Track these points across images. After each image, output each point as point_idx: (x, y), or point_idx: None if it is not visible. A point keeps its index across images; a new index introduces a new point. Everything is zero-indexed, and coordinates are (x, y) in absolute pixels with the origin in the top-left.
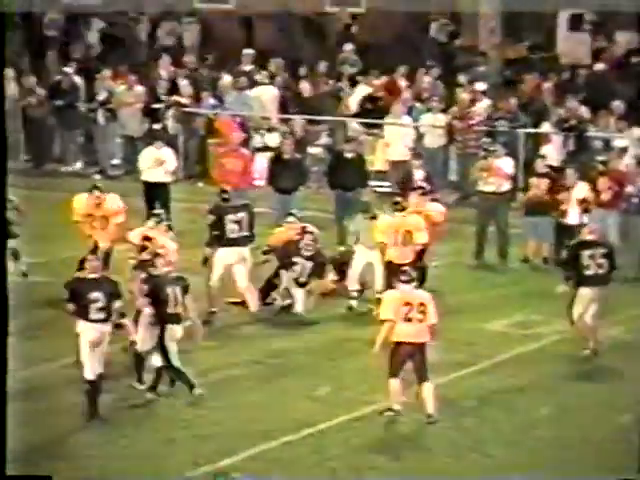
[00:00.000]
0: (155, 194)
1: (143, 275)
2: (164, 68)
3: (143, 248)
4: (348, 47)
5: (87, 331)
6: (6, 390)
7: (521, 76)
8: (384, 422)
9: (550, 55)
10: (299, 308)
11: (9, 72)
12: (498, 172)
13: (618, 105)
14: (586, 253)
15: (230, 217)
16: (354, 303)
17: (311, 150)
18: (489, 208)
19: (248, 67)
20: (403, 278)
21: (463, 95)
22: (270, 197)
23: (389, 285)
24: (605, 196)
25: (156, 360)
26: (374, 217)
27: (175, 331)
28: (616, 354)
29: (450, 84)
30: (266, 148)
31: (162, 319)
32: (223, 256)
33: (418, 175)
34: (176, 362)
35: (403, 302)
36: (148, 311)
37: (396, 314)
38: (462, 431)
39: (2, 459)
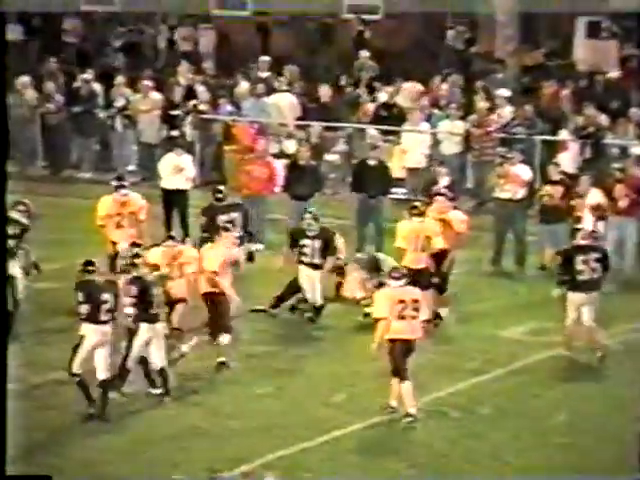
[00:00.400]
0: (174, 201)
1: (128, 277)
2: (182, 74)
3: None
4: (364, 53)
5: (94, 333)
6: (6, 390)
7: (538, 83)
8: (400, 428)
9: (567, 62)
10: (317, 298)
11: (25, 79)
12: (515, 179)
13: (636, 112)
14: (580, 258)
15: (223, 217)
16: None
17: (328, 157)
18: (506, 215)
19: (265, 74)
20: (394, 275)
21: (481, 103)
22: (285, 204)
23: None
24: (622, 203)
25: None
26: None
27: (159, 330)
28: (629, 358)
29: (468, 91)
30: (282, 155)
31: (143, 319)
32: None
33: (443, 182)
34: (160, 361)
35: (397, 300)
36: (130, 311)
37: (391, 312)
38: (478, 438)
39: (2, 459)
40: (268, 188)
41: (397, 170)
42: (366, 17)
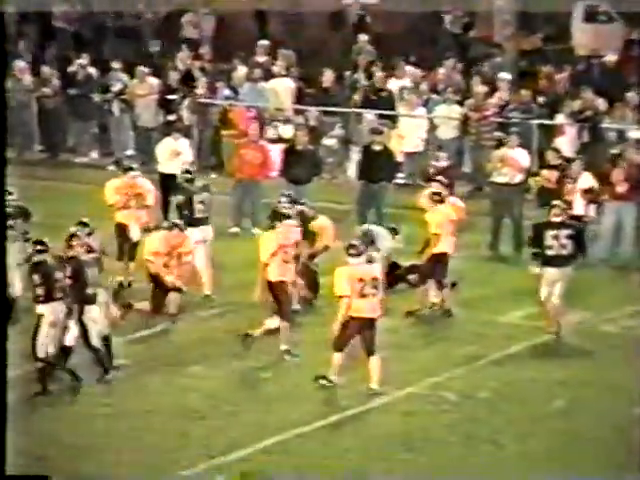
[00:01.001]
0: (171, 185)
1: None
2: (181, 59)
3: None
4: (363, 38)
5: (50, 312)
6: (6, 390)
7: (536, 67)
8: (397, 413)
9: (565, 46)
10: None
11: (21, 63)
12: (512, 163)
13: (633, 96)
14: (550, 233)
15: (197, 197)
16: None
17: (325, 141)
18: (503, 200)
19: (262, 58)
20: (352, 252)
21: (479, 87)
22: (282, 188)
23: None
24: (620, 188)
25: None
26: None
27: (94, 311)
28: (627, 343)
29: (465, 75)
30: (279, 139)
31: (81, 299)
32: (193, 236)
33: (440, 165)
34: (95, 341)
35: (357, 278)
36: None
37: (352, 290)
38: (475, 422)
39: (2, 459)
40: (262, 173)
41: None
42: (363, 1)
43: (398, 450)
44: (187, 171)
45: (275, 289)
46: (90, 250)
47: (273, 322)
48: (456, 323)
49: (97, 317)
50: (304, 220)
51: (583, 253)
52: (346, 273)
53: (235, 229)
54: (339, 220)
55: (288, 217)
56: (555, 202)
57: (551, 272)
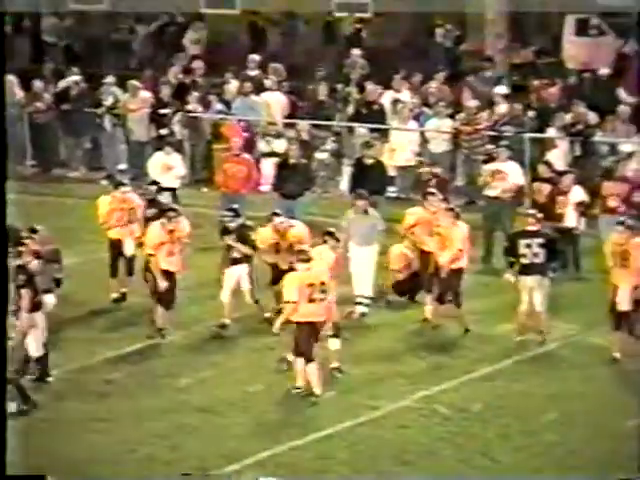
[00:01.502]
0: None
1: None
2: (173, 74)
3: None
4: (356, 52)
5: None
6: (6, 392)
7: (528, 81)
8: (392, 426)
9: (557, 60)
10: (248, 296)
11: (13, 78)
12: (502, 176)
13: (625, 109)
14: (523, 242)
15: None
16: (362, 309)
17: (318, 155)
18: (494, 213)
19: (254, 72)
20: (301, 257)
21: (470, 101)
22: (275, 202)
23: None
24: (612, 202)
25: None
26: None
27: (38, 317)
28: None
29: (456, 89)
30: (272, 153)
31: (34, 307)
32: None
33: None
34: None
35: (306, 283)
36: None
37: (301, 295)
38: (469, 436)
39: (2, 459)
40: (247, 186)
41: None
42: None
43: (391, 463)
44: (154, 182)
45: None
46: (38, 256)
47: (334, 343)
48: (449, 336)
49: (40, 323)
50: (244, 234)
51: (555, 262)
52: (296, 279)
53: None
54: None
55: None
56: (530, 211)
57: (527, 280)
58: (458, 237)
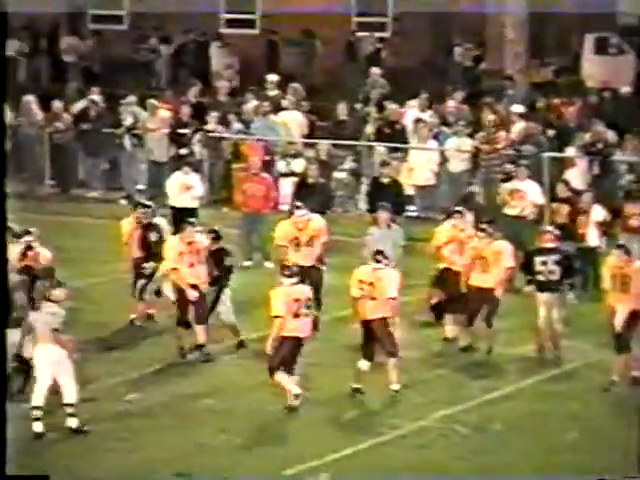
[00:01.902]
0: (182, 219)
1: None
2: (194, 93)
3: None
4: (375, 71)
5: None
6: (6, 391)
7: (547, 100)
8: (410, 446)
9: (576, 79)
10: (226, 316)
11: (32, 98)
12: (521, 196)
13: None
14: (538, 260)
15: (153, 234)
16: None
17: (336, 175)
18: (513, 232)
19: (273, 92)
20: (286, 273)
21: (489, 119)
22: None
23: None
24: (634, 222)
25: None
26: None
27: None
28: None
29: (476, 108)
30: (291, 173)
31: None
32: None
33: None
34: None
35: (292, 298)
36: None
37: (288, 310)
38: (488, 455)
39: (2, 459)
40: (266, 206)
41: (405, 188)
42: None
43: None
44: (145, 205)
45: (376, 327)
46: (29, 272)
47: (364, 364)
48: (469, 356)
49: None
50: (221, 256)
51: (571, 279)
52: (282, 293)
53: (248, 263)
54: (351, 252)
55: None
56: (547, 228)
57: (542, 296)
58: (505, 255)
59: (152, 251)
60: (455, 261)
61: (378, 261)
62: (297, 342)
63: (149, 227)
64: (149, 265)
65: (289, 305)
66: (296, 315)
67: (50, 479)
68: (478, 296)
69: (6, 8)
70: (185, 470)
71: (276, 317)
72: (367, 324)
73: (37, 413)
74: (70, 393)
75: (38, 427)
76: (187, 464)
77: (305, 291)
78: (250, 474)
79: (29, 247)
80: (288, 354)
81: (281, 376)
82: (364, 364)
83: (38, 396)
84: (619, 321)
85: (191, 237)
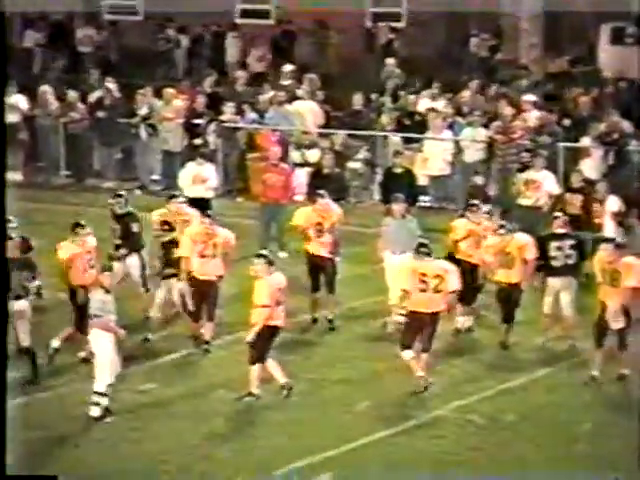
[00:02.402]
0: (197, 209)
1: None
2: (209, 83)
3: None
4: (390, 61)
5: (24, 307)
6: (6, 391)
7: (563, 90)
8: (425, 436)
9: (592, 68)
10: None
11: (47, 88)
12: (537, 186)
13: None
14: (554, 245)
15: (135, 225)
16: (396, 318)
17: (351, 165)
18: (528, 222)
19: (287, 82)
20: (267, 260)
21: (506, 109)
22: None
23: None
24: None
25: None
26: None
27: (24, 309)
28: None
29: (491, 98)
30: (305, 163)
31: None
32: (132, 264)
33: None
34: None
35: (276, 288)
36: None
37: (272, 300)
38: (502, 446)
39: (2, 459)
40: (285, 196)
41: (419, 178)
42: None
43: (426, 473)
44: (118, 195)
45: (430, 321)
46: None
47: (408, 353)
48: (483, 346)
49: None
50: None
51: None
52: (267, 284)
53: (283, 254)
54: (365, 243)
55: None
56: (557, 214)
57: (556, 282)
58: (528, 247)
59: (134, 241)
60: (473, 254)
61: (427, 254)
62: (277, 331)
63: (126, 217)
64: (122, 251)
65: (274, 294)
66: (278, 303)
67: (58, 478)
68: (504, 292)
69: (5, 8)
70: (197, 460)
71: (264, 307)
72: (420, 316)
73: (99, 399)
74: (101, 380)
75: (95, 412)
76: (200, 454)
77: (284, 280)
78: (262, 464)
79: (9, 237)
80: (270, 343)
81: (255, 370)
82: (408, 354)
83: (103, 382)
84: (611, 316)
85: (207, 231)
